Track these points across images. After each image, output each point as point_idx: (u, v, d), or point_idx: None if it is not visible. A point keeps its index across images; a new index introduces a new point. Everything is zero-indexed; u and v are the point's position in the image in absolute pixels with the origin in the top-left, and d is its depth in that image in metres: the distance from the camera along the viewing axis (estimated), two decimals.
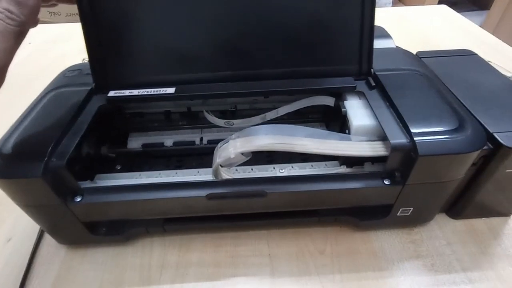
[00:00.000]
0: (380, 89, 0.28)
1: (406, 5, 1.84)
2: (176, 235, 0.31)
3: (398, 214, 0.29)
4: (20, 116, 0.26)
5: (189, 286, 0.27)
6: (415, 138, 0.23)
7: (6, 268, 0.29)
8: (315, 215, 0.30)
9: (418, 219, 0.30)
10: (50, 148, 0.23)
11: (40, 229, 0.31)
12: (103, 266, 0.29)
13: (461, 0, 1.75)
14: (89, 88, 0.29)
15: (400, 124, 0.25)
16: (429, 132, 0.23)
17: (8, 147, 0.23)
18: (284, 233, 0.31)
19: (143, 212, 0.27)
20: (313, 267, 0.29)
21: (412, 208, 0.28)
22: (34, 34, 0.70)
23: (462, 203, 0.30)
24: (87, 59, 0.35)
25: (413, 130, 0.23)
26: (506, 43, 0.61)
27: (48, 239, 0.31)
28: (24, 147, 0.23)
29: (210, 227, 0.31)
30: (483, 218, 0.32)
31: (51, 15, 1.27)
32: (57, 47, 0.67)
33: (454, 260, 0.29)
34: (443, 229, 0.31)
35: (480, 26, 0.68)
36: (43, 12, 1.27)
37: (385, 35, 0.38)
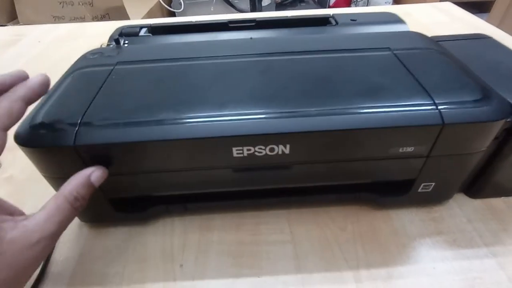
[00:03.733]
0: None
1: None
2: (196, 215, 0.31)
3: (419, 190, 0.29)
4: (48, 92, 0.27)
5: (213, 262, 0.27)
6: (439, 107, 0.23)
7: None
8: (334, 192, 0.30)
9: (438, 196, 0.31)
10: (80, 119, 0.23)
11: None
12: (126, 244, 0.29)
13: (460, 3, 1.76)
14: (111, 67, 0.29)
15: (424, 95, 0.25)
16: (453, 102, 0.24)
17: (39, 118, 0.23)
18: (303, 213, 0.31)
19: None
20: (335, 243, 0.29)
21: (433, 184, 0.28)
22: (43, 33, 0.72)
23: (481, 182, 0.31)
24: (105, 44, 0.36)
25: (437, 100, 0.24)
26: None
27: None
28: (55, 118, 0.23)
29: (231, 206, 0.31)
30: (502, 198, 0.32)
31: (55, 19, 1.29)
32: (65, 45, 0.68)
33: (476, 236, 0.29)
34: (462, 207, 0.31)
35: None
36: (47, 16, 1.29)
37: (399, 20, 0.39)
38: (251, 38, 0.34)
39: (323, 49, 0.31)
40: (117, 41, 0.34)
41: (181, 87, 0.26)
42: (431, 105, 0.24)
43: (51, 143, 0.22)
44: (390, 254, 0.28)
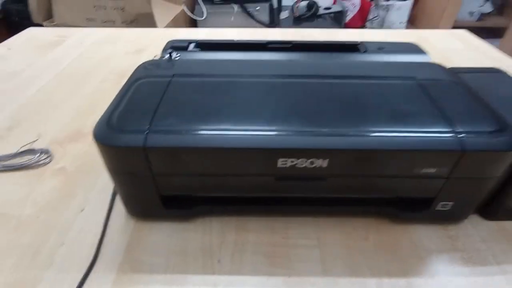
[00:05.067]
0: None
1: (418, 29, 1.92)
2: (232, 217, 0.34)
3: (437, 209, 0.32)
4: (116, 98, 0.30)
5: (248, 260, 0.30)
6: (460, 136, 0.26)
7: (81, 234, 0.33)
8: (359, 205, 0.33)
9: (455, 216, 0.33)
10: (149, 125, 0.26)
11: (110, 201, 0.35)
12: (169, 238, 0.32)
13: (474, 29, 1.81)
14: (169, 79, 0.33)
15: (447, 123, 0.28)
16: (473, 131, 0.27)
17: (114, 121, 0.27)
18: (329, 221, 0.34)
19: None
20: (358, 251, 0.31)
21: (451, 203, 0.31)
22: (85, 36, 0.77)
23: (495, 206, 0.33)
24: (159, 56, 0.40)
25: (458, 129, 0.27)
26: None
27: (117, 211, 0.35)
28: (128, 121, 0.27)
29: (265, 210, 0.34)
30: None
31: (87, 21, 1.36)
32: (104, 48, 0.73)
33: (490, 256, 0.31)
34: (476, 228, 0.34)
35: None
36: (81, 18, 1.36)
37: (421, 51, 0.42)
38: (290, 60, 0.38)
39: (356, 74, 0.35)
40: (170, 55, 0.38)
41: (232, 101, 0.30)
42: (453, 133, 0.27)
43: (125, 144, 0.26)
44: (409, 266, 0.30)
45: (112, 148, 0.26)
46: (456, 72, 0.40)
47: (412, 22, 1.96)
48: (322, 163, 0.27)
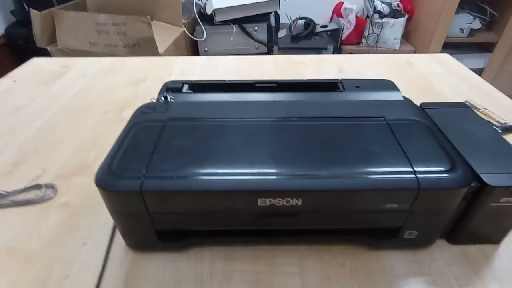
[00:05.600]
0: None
1: (412, 45, 1.98)
2: (222, 246, 0.38)
3: (405, 236, 0.35)
4: (115, 144, 0.35)
5: (235, 286, 0.34)
6: (418, 175, 0.30)
7: (83, 267, 0.36)
8: (336, 234, 0.37)
9: (421, 242, 0.37)
10: (144, 171, 0.31)
11: (110, 235, 0.39)
12: (164, 268, 0.36)
13: (465, 43, 1.88)
14: (163, 123, 0.37)
15: (407, 163, 0.32)
16: (428, 171, 0.31)
17: (113, 167, 0.31)
18: (311, 249, 0.38)
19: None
20: (335, 277, 0.35)
21: (416, 232, 0.35)
22: (89, 67, 0.82)
23: (458, 231, 0.37)
24: (155, 99, 0.44)
25: (416, 168, 0.31)
26: (508, 84, 0.69)
27: (117, 244, 0.38)
28: (125, 168, 0.31)
29: (251, 241, 0.38)
30: (476, 245, 0.38)
31: (90, 45, 1.42)
32: (107, 79, 0.77)
33: (452, 279, 0.35)
34: (442, 252, 0.37)
35: (484, 68, 0.76)
36: (84, 42, 1.42)
37: (394, 88, 0.46)
38: (273, 101, 0.42)
39: (331, 115, 0.39)
40: (165, 98, 0.42)
41: (219, 145, 0.34)
42: (411, 173, 0.31)
43: (124, 188, 0.30)
44: None
45: (112, 193, 0.30)
46: (426, 107, 0.44)
47: (406, 38, 2.02)
48: (297, 201, 0.31)
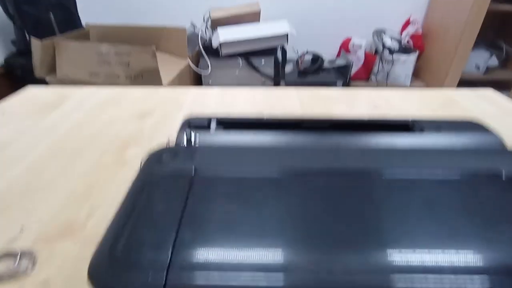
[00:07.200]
0: None
1: (424, 82, 1.93)
2: None
3: None
4: (121, 208, 0.23)
5: None
6: None
7: None
8: None
9: None
10: (169, 259, 0.18)
11: None
12: None
13: (482, 82, 1.84)
14: (189, 181, 0.25)
15: None
16: None
17: (119, 253, 0.19)
18: None
19: None
20: None
21: None
22: (87, 98, 0.72)
23: None
24: (173, 139, 0.33)
25: None
26: None
27: None
28: (138, 254, 0.19)
29: None
30: None
31: (91, 76, 1.34)
32: (107, 110, 0.67)
33: None
34: None
35: None
36: (84, 72, 1.35)
37: (487, 131, 0.36)
38: (338, 148, 0.31)
39: (424, 170, 0.27)
40: (189, 141, 0.31)
41: (274, 216, 0.22)
42: None
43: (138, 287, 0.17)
44: None
45: None
46: None
47: (416, 74, 1.99)
48: None
